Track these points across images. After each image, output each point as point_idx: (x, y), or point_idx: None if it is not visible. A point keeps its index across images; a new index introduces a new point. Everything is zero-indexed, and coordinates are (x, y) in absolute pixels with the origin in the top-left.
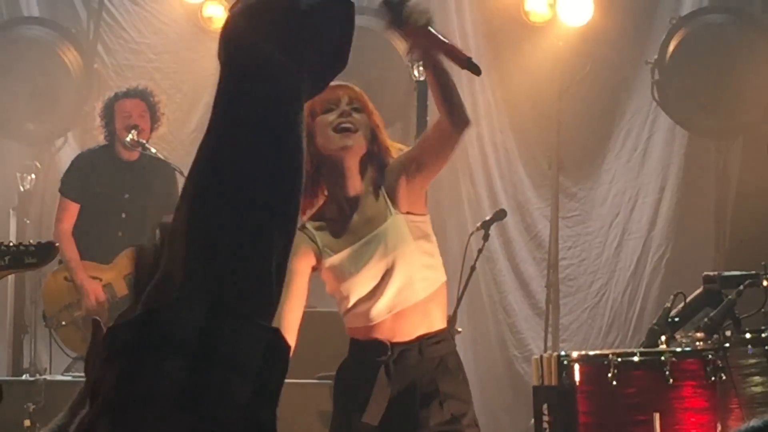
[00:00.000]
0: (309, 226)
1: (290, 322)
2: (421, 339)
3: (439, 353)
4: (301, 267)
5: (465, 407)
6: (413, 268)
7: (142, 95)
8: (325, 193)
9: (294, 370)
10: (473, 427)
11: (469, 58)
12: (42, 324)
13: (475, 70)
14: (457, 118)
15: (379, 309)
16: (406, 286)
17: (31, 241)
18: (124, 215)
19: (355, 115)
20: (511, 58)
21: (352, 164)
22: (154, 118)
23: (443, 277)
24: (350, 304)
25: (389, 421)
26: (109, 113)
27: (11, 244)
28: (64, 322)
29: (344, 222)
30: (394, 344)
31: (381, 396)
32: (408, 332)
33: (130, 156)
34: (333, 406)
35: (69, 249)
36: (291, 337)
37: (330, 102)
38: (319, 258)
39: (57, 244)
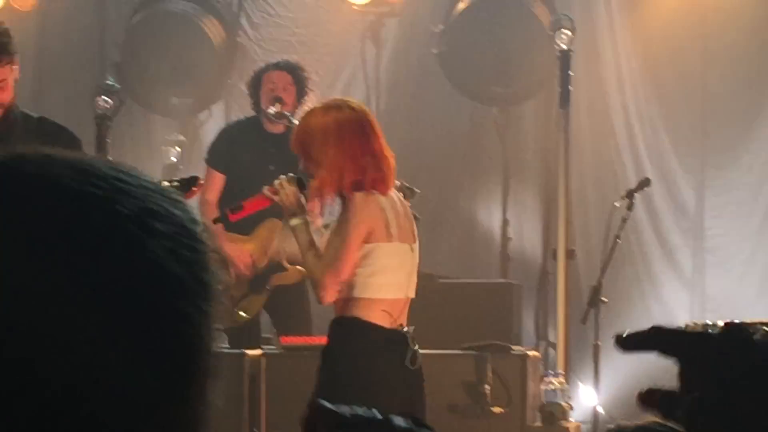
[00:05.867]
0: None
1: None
2: None
3: None
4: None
5: None
6: None
7: (290, 68)
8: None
9: (439, 341)
10: None
11: None
12: None
13: None
14: None
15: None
16: None
17: (174, 178)
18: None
19: None
20: (653, 24)
21: None
22: (301, 93)
23: None
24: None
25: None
26: (255, 84)
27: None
28: None
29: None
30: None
31: None
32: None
33: (275, 129)
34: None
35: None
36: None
37: None
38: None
39: (200, 179)
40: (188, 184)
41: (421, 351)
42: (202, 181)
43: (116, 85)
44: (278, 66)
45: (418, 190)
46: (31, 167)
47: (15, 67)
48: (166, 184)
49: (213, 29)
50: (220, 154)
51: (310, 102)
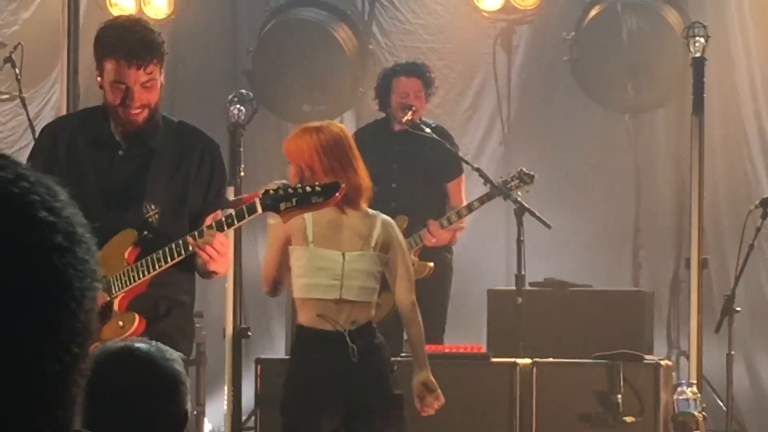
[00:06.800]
0: None
1: None
2: None
3: None
4: None
5: None
6: None
7: (420, 73)
8: None
9: (570, 349)
10: None
11: None
12: None
13: None
14: None
15: None
16: None
17: (317, 182)
18: (394, 185)
19: None
20: None
21: None
22: (429, 94)
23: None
24: None
25: None
26: (385, 87)
27: (298, 186)
28: None
29: None
30: None
31: None
32: None
33: (400, 127)
34: None
35: None
36: None
37: None
38: None
39: (342, 184)
40: (331, 190)
41: (551, 360)
42: (342, 187)
43: (249, 93)
44: (407, 71)
45: (534, 174)
46: None
47: (163, 70)
48: (308, 188)
49: (345, 37)
50: None
51: (438, 107)
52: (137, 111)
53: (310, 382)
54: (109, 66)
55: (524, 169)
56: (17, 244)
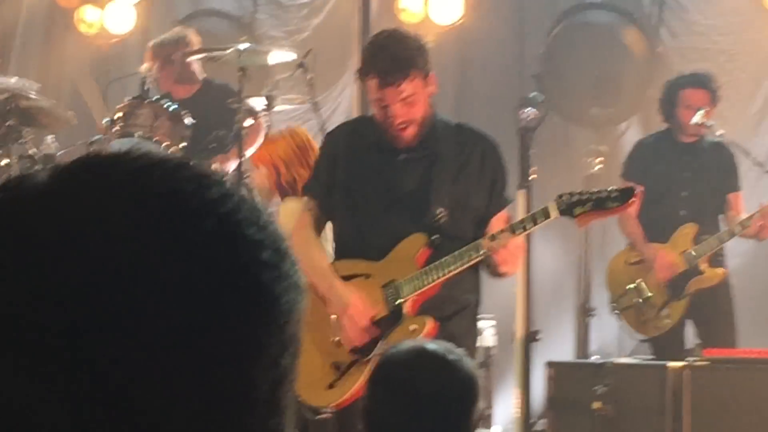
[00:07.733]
0: None
1: None
2: None
3: None
4: None
5: None
6: None
7: (706, 84)
8: None
9: None
10: None
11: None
12: (607, 307)
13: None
14: None
15: None
16: None
17: (613, 186)
18: (684, 194)
19: None
20: None
21: None
22: (715, 103)
23: None
24: None
25: None
26: (670, 99)
27: (593, 190)
28: (626, 306)
29: None
30: None
31: None
32: None
33: (688, 139)
34: None
35: (634, 228)
36: None
37: None
38: None
39: (637, 188)
40: (627, 195)
41: None
42: (638, 191)
43: (540, 96)
44: (694, 83)
45: None
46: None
47: (429, 82)
48: (605, 192)
49: (633, 40)
50: (635, 168)
51: (727, 110)
52: (402, 127)
53: None
54: (369, 84)
55: None
56: (227, 264)
